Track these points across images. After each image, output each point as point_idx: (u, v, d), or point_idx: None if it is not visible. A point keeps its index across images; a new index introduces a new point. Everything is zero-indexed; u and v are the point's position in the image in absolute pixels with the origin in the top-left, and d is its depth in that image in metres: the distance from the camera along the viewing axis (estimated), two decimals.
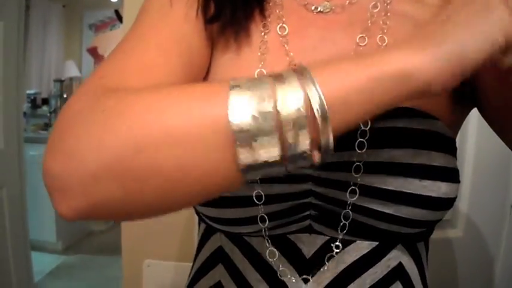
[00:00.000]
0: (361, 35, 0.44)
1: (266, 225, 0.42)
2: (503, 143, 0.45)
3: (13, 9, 1.87)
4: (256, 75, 0.39)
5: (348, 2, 0.46)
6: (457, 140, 0.44)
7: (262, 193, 0.41)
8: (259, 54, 0.44)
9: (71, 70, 3.86)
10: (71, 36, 4.14)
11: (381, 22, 0.44)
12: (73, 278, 2.74)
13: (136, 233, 0.99)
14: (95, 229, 3.46)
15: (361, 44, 0.43)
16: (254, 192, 0.41)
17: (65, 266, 2.92)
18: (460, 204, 1.00)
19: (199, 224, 0.52)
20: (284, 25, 0.46)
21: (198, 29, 0.44)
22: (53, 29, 4.04)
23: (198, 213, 0.49)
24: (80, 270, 2.87)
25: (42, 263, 2.81)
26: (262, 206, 0.41)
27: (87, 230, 3.42)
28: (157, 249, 0.99)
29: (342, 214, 0.41)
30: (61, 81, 3.70)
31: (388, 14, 0.44)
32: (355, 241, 0.42)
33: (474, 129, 0.96)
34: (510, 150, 0.44)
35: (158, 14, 0.42)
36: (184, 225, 0.99)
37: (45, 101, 3.75)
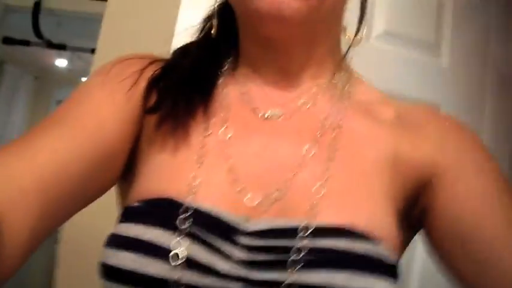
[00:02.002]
0: (308, 146, 0.43)
1: None
2: None
3: None
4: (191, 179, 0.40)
5: (298, 109, 0.45)
6: (403, 262, 0.42)
7: None
8: (196, 157, 0.42)
9: None
10: (37, 110, 4.07)
11: (331, 136, 0.43)
12: None
13: None
14: None
15: (307, 155, 0.42)
16: None
17: None
18: None
19: None
20: (228, 128, 0.44)
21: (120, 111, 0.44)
22: (20, 100, 3.98)
23: None
24: None
25: None
26: None
27: None
28: None
29: None
30: None
31: (340, 129, 0.44)
32: None
33: (420, 253, 0.95)
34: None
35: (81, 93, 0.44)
36: None
37: None
